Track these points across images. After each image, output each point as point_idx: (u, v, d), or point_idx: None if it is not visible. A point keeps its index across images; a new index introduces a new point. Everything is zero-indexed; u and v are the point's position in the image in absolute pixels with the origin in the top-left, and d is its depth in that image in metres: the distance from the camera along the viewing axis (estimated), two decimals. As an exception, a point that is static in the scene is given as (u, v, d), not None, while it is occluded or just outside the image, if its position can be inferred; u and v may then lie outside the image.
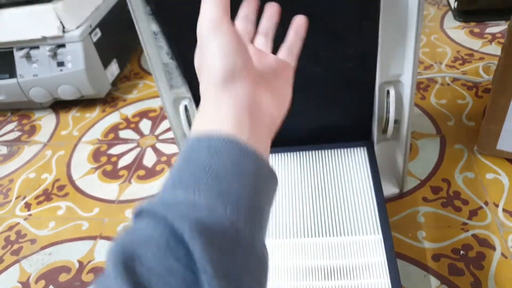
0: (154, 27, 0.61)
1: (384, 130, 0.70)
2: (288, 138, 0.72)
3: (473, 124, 0.89)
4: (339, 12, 0.57)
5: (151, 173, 0.91)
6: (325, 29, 0.57)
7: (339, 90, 0.67)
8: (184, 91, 0.68)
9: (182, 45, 0.62)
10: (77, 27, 1.04)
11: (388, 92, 0.65)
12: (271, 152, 0.72)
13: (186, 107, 0.70)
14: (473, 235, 0.69)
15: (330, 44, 0.61)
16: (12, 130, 1.16)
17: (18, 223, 0.87)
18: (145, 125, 1.07)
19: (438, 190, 0.77)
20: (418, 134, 0.89)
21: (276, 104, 0.32)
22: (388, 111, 0.67)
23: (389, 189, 0.78)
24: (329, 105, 0.69)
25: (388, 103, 0.66)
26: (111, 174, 0.93)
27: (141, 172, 0.92)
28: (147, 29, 0.62)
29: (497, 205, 0.72)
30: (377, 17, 0.56)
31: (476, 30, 1.17)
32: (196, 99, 0.70)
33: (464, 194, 0.75)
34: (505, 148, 0.78)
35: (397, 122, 0.69)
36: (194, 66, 0.33)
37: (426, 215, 0.73)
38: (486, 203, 0.73)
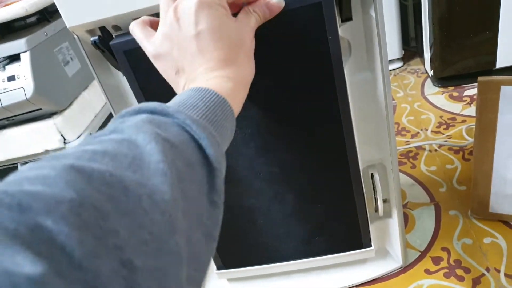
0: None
1: (376, 210, 0.72)
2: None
3: (464, 188, 0.91)
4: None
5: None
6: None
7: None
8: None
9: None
10: (78, 137, 1.10)
11: (372, 175, 0.68)
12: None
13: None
14: (480, 305, 0.68)
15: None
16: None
17: None
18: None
19: (439, 261, 0.77)
20: (413, 204, 0.91)
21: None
22: (375, 193, 0.69)
23: (392, 264, 0.79)
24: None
25: (374, 185, 0.69)
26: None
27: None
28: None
29: (498, 271, 0.72)
30: (348, 108, 0.60)
31: (455, 93, 1.23)
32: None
33: (465, 262, 0.76)
34: (497, 210, 0.79)
35: (386, 201, 0.71)
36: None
37: (430, 288, 0.73)
38: (488, 270, 0.73)
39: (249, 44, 0.42)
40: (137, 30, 0.44)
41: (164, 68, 0.42)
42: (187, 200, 0.27)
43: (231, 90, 0.37)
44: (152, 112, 0.31)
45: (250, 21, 0.43)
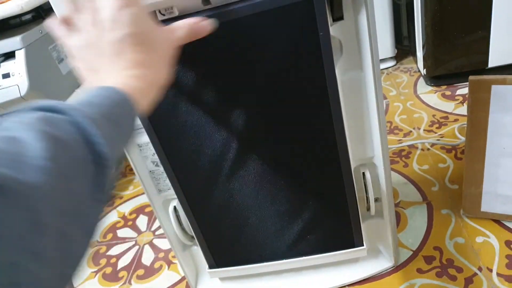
0: (138, 140, 0.66)
1: (368, 209, 0.73)
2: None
3: (456, 187, 0.91)
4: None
5: (150, 272, 0.93)
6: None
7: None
8: (172, 193, 0.71)
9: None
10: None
11: (363, 174, 0.68)
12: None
13: (175, 207, 0.73)
14: (471, 304, 0.69)
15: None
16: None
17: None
18: (141, 221, 1.09)
19: (431, 260, 0.78)
20: (405, 202, 0.92)
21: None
22: (367, 191, 0.70)
23: (384, 264, 0.79)
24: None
25: (365, 184, 0.69)
26: (111, 277, 0.94)
27: (140, 272, 0.93)
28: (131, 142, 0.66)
29: (490, 270, 0.73)
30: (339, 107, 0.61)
31: (448, 92, 1.24)
32: (183, 200, 0.72)
33: (457, 261, 0.76)
34: (489, 209, 0.80)
35: (378, 200, 0.72)
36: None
37: (422, 287, 0.74)
38: (480, 269, 0.74)
39: (169, 52, 0.44)
40: (55, 28, 0.44)
41: (79, 67, 0.43)
42: (68, 197, 0.27)
43: (139, 89, 0.38)
44: (47, 109, 0.31)
45: (173, 35, 0.44)
